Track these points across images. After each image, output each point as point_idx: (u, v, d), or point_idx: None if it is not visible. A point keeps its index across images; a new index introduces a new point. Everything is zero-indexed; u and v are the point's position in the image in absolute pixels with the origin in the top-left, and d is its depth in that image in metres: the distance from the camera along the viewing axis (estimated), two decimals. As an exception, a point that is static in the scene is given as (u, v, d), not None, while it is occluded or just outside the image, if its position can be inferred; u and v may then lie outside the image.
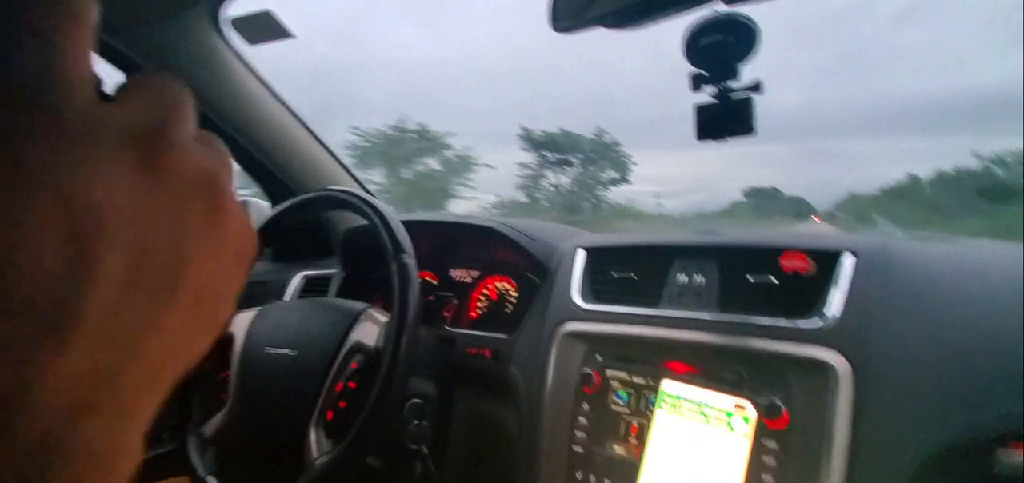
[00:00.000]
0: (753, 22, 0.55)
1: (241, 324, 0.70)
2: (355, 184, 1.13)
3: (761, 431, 0.52)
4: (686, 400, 0.55)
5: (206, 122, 0.90)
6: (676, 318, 0.64)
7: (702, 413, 0.54)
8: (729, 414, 0.53)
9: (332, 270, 0.97)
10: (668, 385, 0.57)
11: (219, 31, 0.83)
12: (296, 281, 0.99)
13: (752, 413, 0.52)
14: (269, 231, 0.74)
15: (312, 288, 0.99)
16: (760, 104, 0.56)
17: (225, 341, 0.69)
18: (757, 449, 0.52)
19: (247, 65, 0.89)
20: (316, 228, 1.10)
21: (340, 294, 0.93)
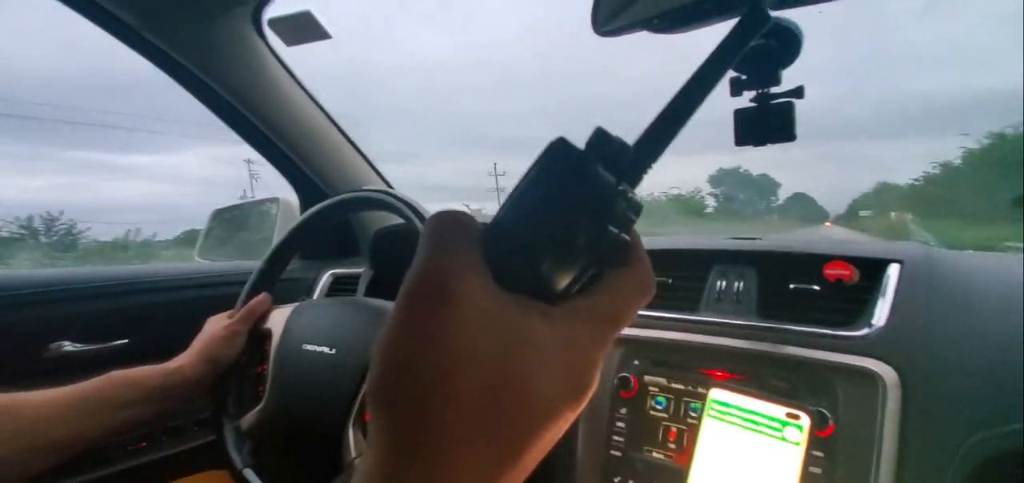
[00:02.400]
0: (798, 28, 0.55)
1: (277, 320, 0.70)
2: (384, 184, 1.14)
3: (811, 441, 0.52)
4: (736, 408, 0.54)
5: (243, 121, 0.92)
6: (716, 324, 0.63)
7: (752, 422, 0.53)
8: (783, 423, 0.52)
9: (359, 269, 0.98)
10: (717, 393, 0.56)
11: (259, 31, 0.84)
12: (325, 278, 1.00)
13: (806, 422, 0.51)
14: (307, 230, 0.75)
15: (340, 286, 1.00)
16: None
17: (262, 335, 0.70)
18: (807, 459, 0.51)
19: (284, 65, 0.91)
20: (343, 227, 1.12)
21: (368, 293, 0.94)
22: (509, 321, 0.17)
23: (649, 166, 0.21)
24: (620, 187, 0.19)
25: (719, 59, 0.22)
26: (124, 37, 0.79)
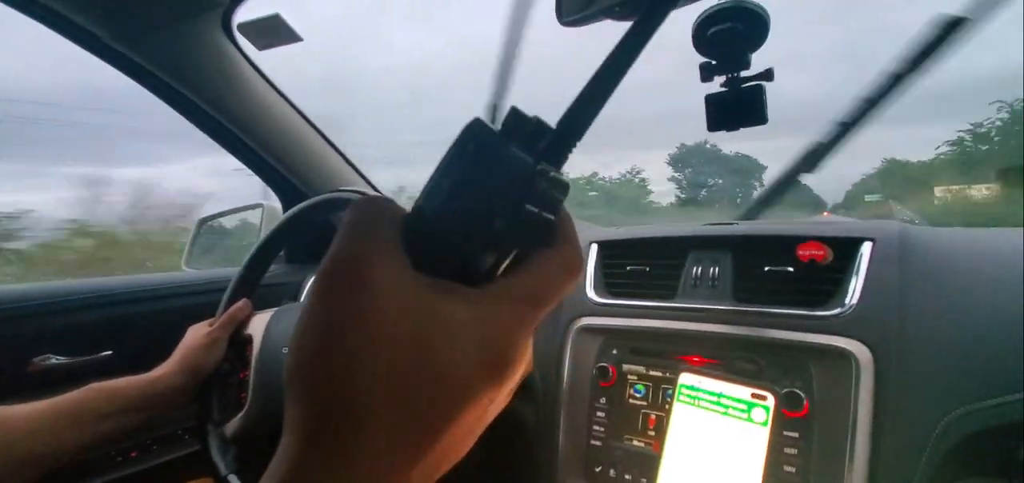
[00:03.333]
0: (763, 9, 0.55)
1: (258, 325, 0.70)
2: (366, 185, 1.13)
3: (782, 421, 0.52)
4: (704, 392, 0.55)
5: (217, 126, 0.92)
6: (692, 310, 0.63)
7: (720, 404, 0.53)
8: (749, 405, 0.52)
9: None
10: (686, 377, 0.56)
11: (229, 36, 0.84)
12: (311, 282, 1.00)
13: (771, 402, 0.52)
14: (285, 233, 0.74)
15: (326, 289, 1.00)
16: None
17: (243, 341, 0.70)
18: (778, 439, 0.52)
19: (257, 69, 0.90)
20: (327, 230, 1.11)
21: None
22: (424, 304, 0.17)
23: (572, 144, 0.20)
24: (540, 167, 0.19)
25: (638, 32, 0.22)
26: (93, 48, 0.78)
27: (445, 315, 0.17)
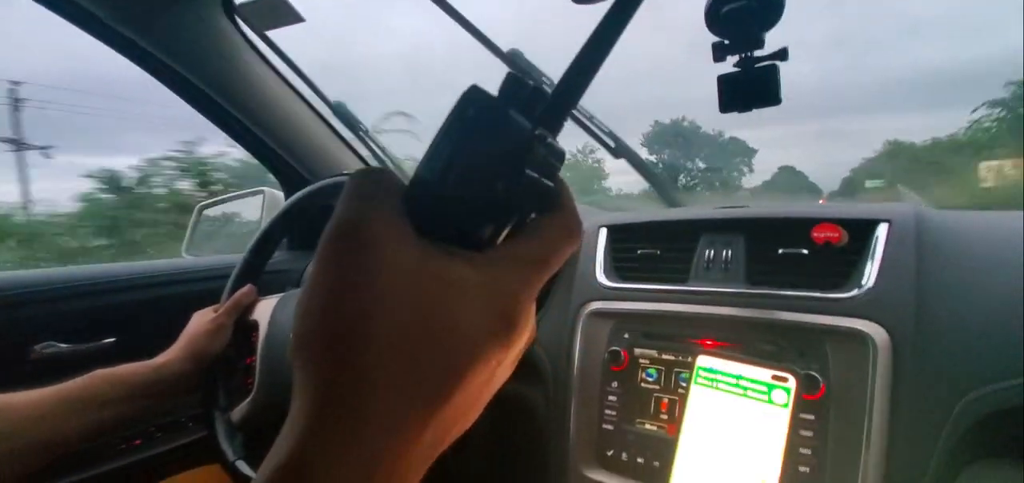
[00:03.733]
0: (779, -13, 0.54)
1: (264, 311, 0.69)
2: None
3: (799, 403, 0.52)
4: (723, 374, 0.54)
5: (218, 110, 0.90)
6: (705, 293, 0.63)
7: (739, 386, 0.53)
8: (769, 387, 0.52)
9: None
10: (704, 360, 0.56)
11: (231, 17, 0.82)
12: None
13: (792, 384, 0.51)
14: (289, 219, 0.73)
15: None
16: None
17: (249, 327, 0.69)
18: (795, 421, 0.51)
19: (259, 52, 0.88)
20: (330, 216, 1.10)
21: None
22: (430, 266, 0.17)
23: (568, 111, 0.21)
24: (537, 132, 0.19)
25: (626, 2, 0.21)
26: (91, 29, 0.76)
27: (451, 277, 0.17)
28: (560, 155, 0.20)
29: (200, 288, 0.90)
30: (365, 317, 0.16)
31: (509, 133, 0.18)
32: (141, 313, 0.85)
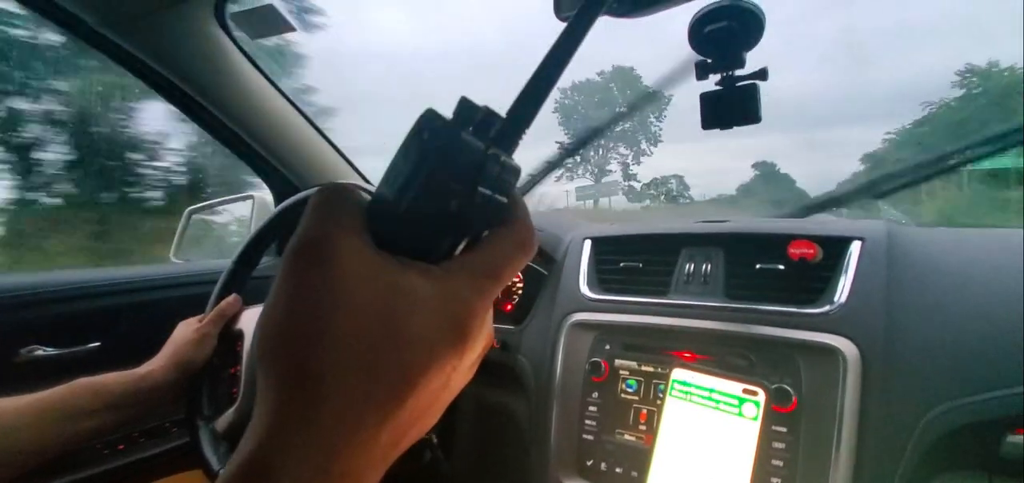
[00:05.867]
0: (759, 9, 0.55)
1: (249, 320, 0.70)
2: (358, 177, 1.13)
3: (771, 416, 0.53)
4: (696, 387, 0.55)
5: (208, 117, 0.90)
6: (684, 306, 0.64)
7: (712, 399, 0.54)
8: (740, 400, 0.53)
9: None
10: (678, 373, 0.57)
11: (223, 25, 0.82)
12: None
13: (763, 397, 0.52)
14: (276, 227, 0.74)
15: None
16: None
17: (234, 337, 0.69)
18: (767, 434, 0.53)
19: (251, 59, 0.89)
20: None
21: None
22: (387, 276, 0.18)
23: (522, 130, 0.22)
24: (491, 151, 0.20)
25: (575, 28, 0.23)
26: (80, 34, 0.77)
27: (407, 287, 0.18)
28: (514, 171, 0.21)
29: (186, 293, 0.90)
30: (322, 323, 0.17)
31: (462, 153, 0.19)
32: (127, 318, 0.85)
